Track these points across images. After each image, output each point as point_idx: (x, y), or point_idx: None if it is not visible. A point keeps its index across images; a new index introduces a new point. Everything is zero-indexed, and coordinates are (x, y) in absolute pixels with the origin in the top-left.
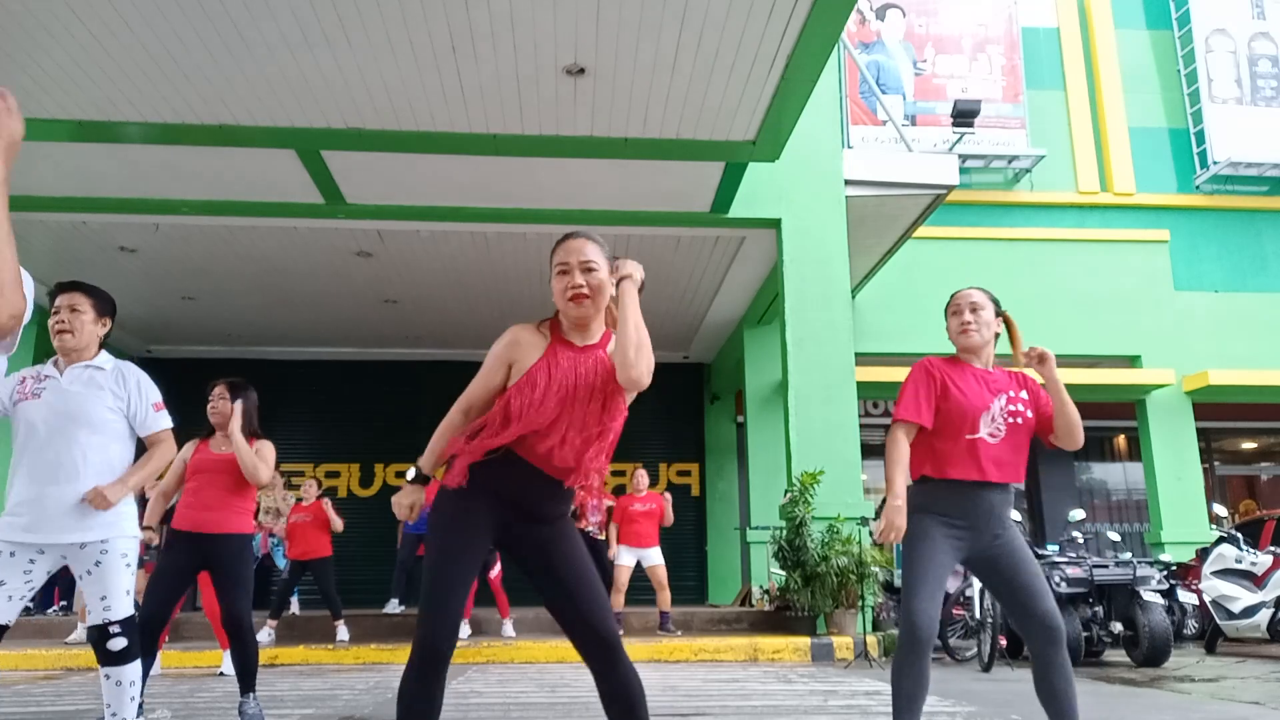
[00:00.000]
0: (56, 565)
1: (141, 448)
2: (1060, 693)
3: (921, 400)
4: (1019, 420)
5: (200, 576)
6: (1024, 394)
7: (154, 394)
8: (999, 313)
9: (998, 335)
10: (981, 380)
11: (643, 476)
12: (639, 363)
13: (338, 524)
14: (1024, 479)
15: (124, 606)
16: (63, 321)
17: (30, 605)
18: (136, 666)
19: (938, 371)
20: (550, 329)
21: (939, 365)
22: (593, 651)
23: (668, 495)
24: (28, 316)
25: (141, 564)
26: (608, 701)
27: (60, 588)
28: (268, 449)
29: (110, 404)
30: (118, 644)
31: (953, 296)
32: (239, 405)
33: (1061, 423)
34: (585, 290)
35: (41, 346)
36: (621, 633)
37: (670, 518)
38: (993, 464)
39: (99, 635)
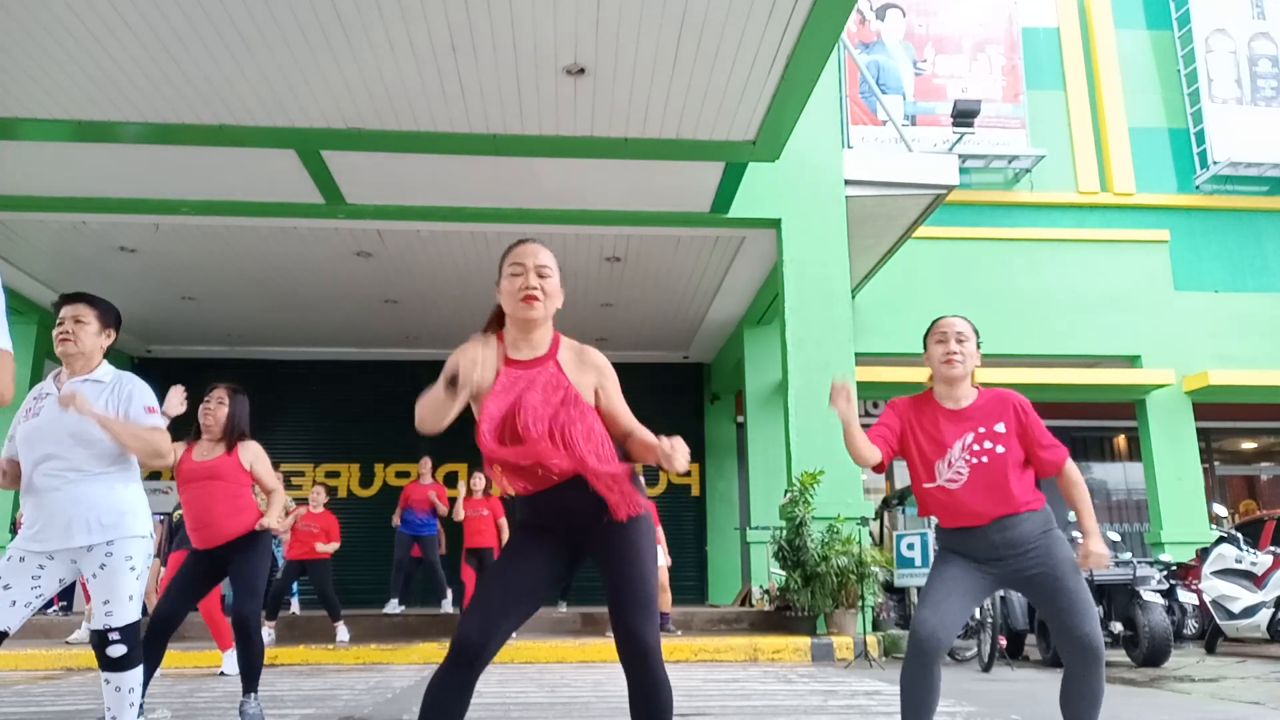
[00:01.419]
0: (71, 573)
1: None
2: (1081, 713)
3: (878, 435)
4: (984, 460)
5: None
6: (999, 426)
7: (147, 399)
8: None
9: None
10: (948, 421)
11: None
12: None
13: (334, 546)
14: (1021, 508)
15: (126, 613)
16: (66, 332)
17: None
18: (137, 673)
19: (900, 415)
20: (497, 341)
21: (904, 407)
22: (624, 655)
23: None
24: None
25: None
26: (633, 708)
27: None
28: (259, 451)
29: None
30: (117, 651)
31: (936, 323)
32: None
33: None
34: (538, 293)
35: (42, 348)
36: None
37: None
38: (961, 508)
39: (100, 641)
